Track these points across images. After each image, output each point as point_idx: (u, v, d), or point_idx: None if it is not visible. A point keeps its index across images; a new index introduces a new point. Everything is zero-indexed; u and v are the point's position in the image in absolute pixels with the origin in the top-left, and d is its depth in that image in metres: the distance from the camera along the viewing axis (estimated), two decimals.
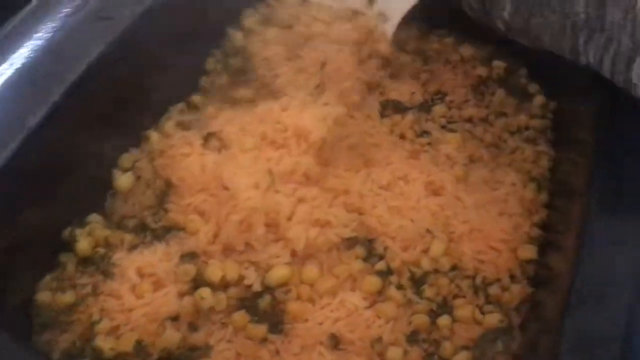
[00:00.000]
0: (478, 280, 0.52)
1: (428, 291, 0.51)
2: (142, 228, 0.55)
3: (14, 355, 0.41)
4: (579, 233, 0.47)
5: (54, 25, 0.55)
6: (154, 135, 0.59)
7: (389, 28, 0.66)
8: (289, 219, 0.52)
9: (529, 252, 0.53)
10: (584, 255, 0.45)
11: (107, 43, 0.54)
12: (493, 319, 0.50)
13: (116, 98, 0.56)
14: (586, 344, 0.41)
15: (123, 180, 0.56)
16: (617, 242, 0.45)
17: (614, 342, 0.41)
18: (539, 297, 0.51)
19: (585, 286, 0.43)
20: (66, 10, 0.56)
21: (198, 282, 0.50)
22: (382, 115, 0.64)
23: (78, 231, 0.53)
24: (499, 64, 0.68)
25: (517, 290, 0.51)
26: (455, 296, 0.51)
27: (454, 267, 0.52)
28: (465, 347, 0.49)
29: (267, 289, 0.51)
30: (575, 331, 0.41)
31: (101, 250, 0.53)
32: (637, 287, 0.43)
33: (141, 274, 0.51)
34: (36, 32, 0.54)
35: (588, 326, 0.41)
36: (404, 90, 0.66)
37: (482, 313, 0.50)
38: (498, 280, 0.52)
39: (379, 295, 0.51)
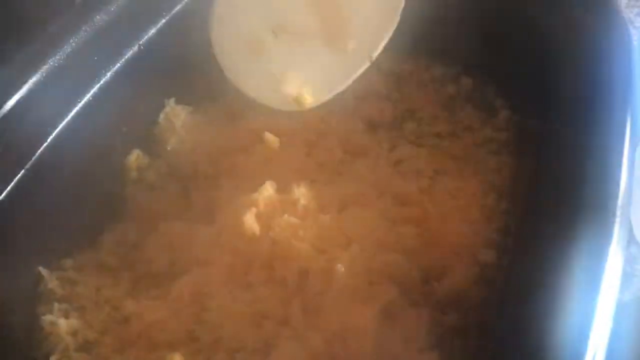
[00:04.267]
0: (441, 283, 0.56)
1: None
2: None
3: None
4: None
5: None
6: None
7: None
8: None
9: (487, 255, 0.57)
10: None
11: None
12: (453, 319, 0.54)
13: None
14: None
15: None
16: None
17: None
18: (495, 297, 0.55)
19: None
20: None
21: None
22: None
23: None
24: (467, 81, 0.73)
25: (476, 292, 0.56)
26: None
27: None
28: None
29: None
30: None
31: None
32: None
33: None
34: None
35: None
36: (374, 109, 0.71)
37: (444, 313, 0.55)
38: (459, 282, 0.56)
39: None
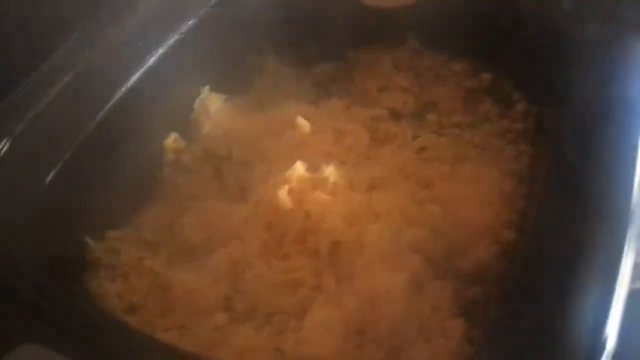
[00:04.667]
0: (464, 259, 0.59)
1: None
2: None
3: None
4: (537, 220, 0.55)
5: None
6: None
7: None
8: None
9: (506, 234, 0.60)
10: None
11: None
12: (475, 292, 0.57)
13: None
14: None
15: None
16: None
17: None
18: (514, 272, 0.58)
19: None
20: None
21: None
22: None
23: None
24: (486, 76, 0.76)
25: (496, 267, 0.59)
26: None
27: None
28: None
29: None
30: None
31: None
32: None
33: None
34: None
35: None
36: (399, 100, 0.74)
37: (467, 286, 0.58)
38: (481, 259, 0.60)
39: None
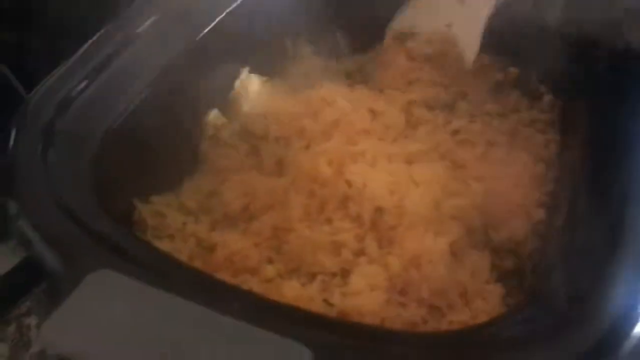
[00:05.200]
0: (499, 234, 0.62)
1: None
2: None
3: None
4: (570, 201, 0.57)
5: None
6: None
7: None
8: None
9: (538, 213, 0.63)
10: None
11: None
12: (510, 263, 0.60)
13: None
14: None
15: None
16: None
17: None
18: (545, 248, 0.60)
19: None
20: None
21: None
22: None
23: None
24: (513, 70, 0.79)
25: (529, 243, 0.61)
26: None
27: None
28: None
29: None
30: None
31: None
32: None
33: None
34: None
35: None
36: (430, 92, 0.77)
37: (502, 259, 0.60)
38: (514, 235, 0.62)
39: None
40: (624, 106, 0.61)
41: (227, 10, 0.72)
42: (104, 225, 0.50)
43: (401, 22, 0.81)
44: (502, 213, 0.62)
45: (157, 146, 0.66)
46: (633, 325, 0.43)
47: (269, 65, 0.79)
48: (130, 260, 0.46)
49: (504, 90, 0.78)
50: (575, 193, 0.59)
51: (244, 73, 0.76)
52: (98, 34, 0.65)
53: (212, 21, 0.70)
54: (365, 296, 0.53)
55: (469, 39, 0.76)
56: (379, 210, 0.59)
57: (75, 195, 0.53)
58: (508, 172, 0.67)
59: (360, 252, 0.58)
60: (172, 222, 0.62)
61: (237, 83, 0.76)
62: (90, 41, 0.64)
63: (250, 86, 0.75)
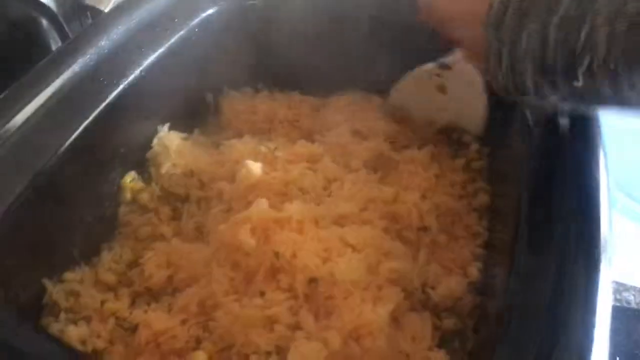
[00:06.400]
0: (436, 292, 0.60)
1: None
2: None
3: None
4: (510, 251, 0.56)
5: None
6: None
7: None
8: None
9: (474, 269, 0.61)
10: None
11: None
12: (450, 323, 0.58)
13: None
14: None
15: None
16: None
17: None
18: (485, 304, 0.59)
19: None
20: None
21: None
22: None
23: None
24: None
25: (468, 300, 0.59)
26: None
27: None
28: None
29: None
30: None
31: None
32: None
33: None
34: None
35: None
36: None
37: (440, 319, 0.58)
38: (454, 292, 0.60)
39: None
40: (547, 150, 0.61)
41: (142, 67, 0.67)
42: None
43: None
44: (437, 270, 0.61)
45: (70, 215, 0.61)
46: None
47: (190, 121, 0.75)
48: None
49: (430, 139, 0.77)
50: (512, 247, 0.58)
51: (163, 130, 0.72)
52: (5, 92, 0.59)
53: (126, 78, 0.66)
54: None
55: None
56: (312, 280, 0.56)
57: None
58: (443, 223, 0.66)
59: (295, 326, 0.54)
60: (89, 301, 0.57)
61: (155, 141, 0.71)
62: None
63: (170, 143, 0.71)
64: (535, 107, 0.61)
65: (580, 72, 0.45)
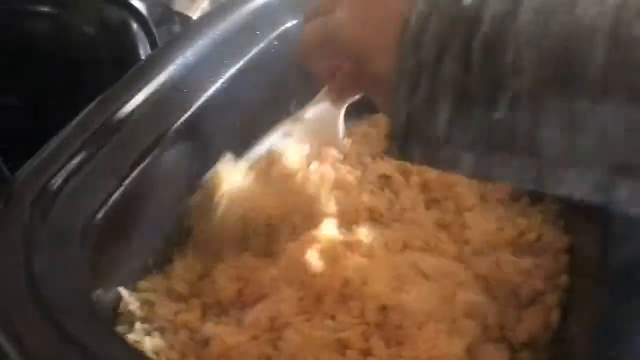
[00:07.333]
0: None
1: None
2: None
3: None
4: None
5: None
6: None
7: None
8: None
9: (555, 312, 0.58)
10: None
11: None
12: (525, 356, 0.56)
13: None
14: None
15: None
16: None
17: None
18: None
19: None
20: None
21: None
22: None
23: None
24: None
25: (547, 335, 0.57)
26: None
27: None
28: None
29: None
30: None
31: None
32: None
33: None
34: None
35: None
36: None
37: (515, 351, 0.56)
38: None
39: None
40: None
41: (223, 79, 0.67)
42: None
43: None
44: (519, 303, 0.59)
45: (144, 227, 0.62)
46: None
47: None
48: None
49: None
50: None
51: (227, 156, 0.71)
52: (78, 118, 0.61)
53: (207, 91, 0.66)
54: None
55: None
56: (383, 308, 0.55)
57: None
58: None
59: (367, 352, 0.53)
60: (163, 311, 0.57)
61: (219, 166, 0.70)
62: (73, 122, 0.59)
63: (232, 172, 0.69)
64: None
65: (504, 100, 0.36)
